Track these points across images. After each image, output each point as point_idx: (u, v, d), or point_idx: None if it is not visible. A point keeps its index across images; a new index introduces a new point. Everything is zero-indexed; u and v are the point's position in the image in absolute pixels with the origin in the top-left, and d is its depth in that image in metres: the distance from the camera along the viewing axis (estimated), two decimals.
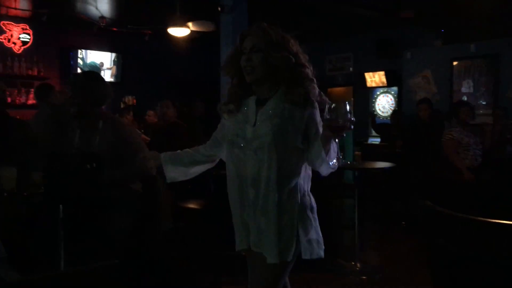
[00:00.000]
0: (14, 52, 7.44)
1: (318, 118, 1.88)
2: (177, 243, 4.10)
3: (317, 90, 1.93)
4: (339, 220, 5.46)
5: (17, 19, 7.38)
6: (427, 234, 1.92)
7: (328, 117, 1.72)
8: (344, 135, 1.77)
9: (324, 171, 1.86)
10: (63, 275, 1.20)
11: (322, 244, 1.95)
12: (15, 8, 6.92)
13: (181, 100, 7.29)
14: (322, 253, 1.92)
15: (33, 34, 7.56)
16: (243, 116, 1.93)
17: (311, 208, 1.94)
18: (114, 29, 7.69)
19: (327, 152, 1.78)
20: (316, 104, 1.89)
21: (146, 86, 8.33)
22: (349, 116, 1.71)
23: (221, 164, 4.56)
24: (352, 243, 4.33)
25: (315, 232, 1.93)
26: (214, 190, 4.15)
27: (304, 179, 1.94)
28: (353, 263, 4.14)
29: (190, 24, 5.92)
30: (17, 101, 7.33)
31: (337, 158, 1.82)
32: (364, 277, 3.98)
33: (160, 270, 3.26)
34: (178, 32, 6.27)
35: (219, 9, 5.50)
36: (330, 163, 1.81)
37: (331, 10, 6.97)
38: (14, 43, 7.45)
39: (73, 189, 2.58)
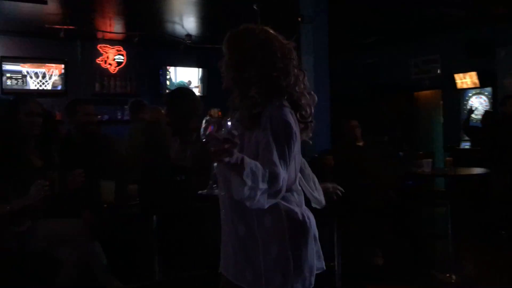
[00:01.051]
0: (110, 72, 8.02)
1: (269, 142, 1.53)
2: None
3: (282, 110, 1.59)
4: (431, 230, 5.23)
5: (112, 42, 7.96)
6: None
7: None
8: (228, 160, 1.35)
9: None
10: (157, 284, 1.27)
11: (314, 271, 1.67)
12: (110, 32, 7.48)
13: None
14: (313, 281, 1.66)
15: (127, 55, 8.11)
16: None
17: (305, 231, 1.65)
18: (199, 45, 8.02)
19: (228, 182, 1.47)
20: (268, 127, 1.55)
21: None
22: (222, 132, 1.38)
23: None
24: (446, 253, 4.12)
25: (310, 258, 1.66)
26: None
27: (290, 200, 1.65)
28: (448, 275, 3.94)
29: None
30: (113, 118, 7.91)
31: (210, 185, 1.51)
32: None
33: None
34: None
35: (299, 19, 5.53)
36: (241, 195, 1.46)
37: (415, 12, 6.73)
38: (110, 64, 8.03)
39: (164, 200, 2.72)
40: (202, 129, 1.41)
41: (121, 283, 2.80)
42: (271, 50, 1.65)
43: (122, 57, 8.09)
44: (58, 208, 2.88)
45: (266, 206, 1.51)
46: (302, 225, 1.64)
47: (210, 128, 1.40)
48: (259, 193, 1.43)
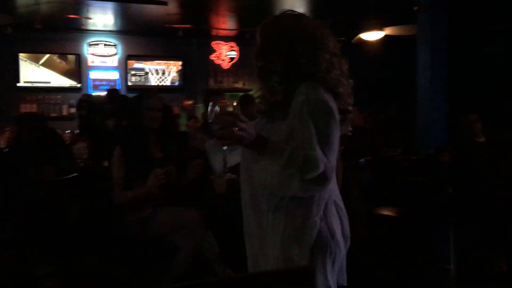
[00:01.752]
0: (223, 68, 8.34)
1: (306, 125, 1.42)
2: (372, 252, 4.04)
3: (317, 91, 1.46)
4: None
5: (226, 39, 8.27)
6: None
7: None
8: (243, 135, 1.34)
9: None
10: (267, 273, 1.29)
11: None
12: (224, 29, 7.77)
13: (374, 104, 7.18)
14: None
15: (239, 51, 8.36)
16: None
17: (305, 240, 1.47)
18: None
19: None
20: (304, 110, 1.43)
21: None
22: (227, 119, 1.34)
23: (420, 171, 4.33)
24: None
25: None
26: (412, 197, 3.98)
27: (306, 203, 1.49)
28: None
29: (387, 29, 5.79)
30: None
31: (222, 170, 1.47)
32: None
33: (353, 278, 3.25)
34: (372, 36, 6.21)
35: (415, 8, 5.27)
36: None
37: None
38: (223, 60, 8.35)
39: None
40: (208, 112, 1.39)
41: (232, 271, 2.91)
42: (299, 38, 1.54)
43: (234, 53, 8.36)
44: (176, 197, 3.06)
45: (306, 194, 1.42)
46: (307, 233, 1.48)
47: (213, 111, 1.39)
48: (287, 174, 1.36)
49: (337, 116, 1.47)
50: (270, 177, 1.40)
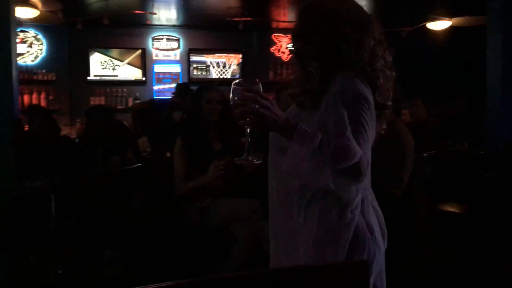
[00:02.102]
0: (283, 60, 8.33)
1: (340, 115, 1.32)
2: (434, 249, 3.91)
3: (354, 81, 1.38)
4: None
5: (285, 31, 8.23)
6: None
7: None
8: (271, 117, 1.25)
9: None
10: (315, 267, 1.29)
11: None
12: (284, 21, 7.74)
13: (440, 96, 6.90)
14: None
15: None
16: None
17: (336, 240, 1.38)
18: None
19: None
20: (339, 100, 1.35)
21: (404, 85, 8.16)
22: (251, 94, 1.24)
23: (488, 166, 4.14)
24: None
25: None
26: (477, 194, 3.80)
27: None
28: None
29: (454, 20, 5.54)
30: None
31: (246, 155, 1.34)
32: None
33: (413, 275, 3.17)
34: (438, 26, 5.97)
35: None
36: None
37: None
38: (283, 52, 8.34)
39: None
40: (231, 93, 1.30)
41: None
42: (342, 20, 1.44)
43: None
44: (235, 188, 3.10)
45: (338, 187, 1.31)
46: (336, 233, 1.39)
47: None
48: (319, 161, 1.24)
49: (373, 108, 1.39)
50: (299, 163, 1.27)
